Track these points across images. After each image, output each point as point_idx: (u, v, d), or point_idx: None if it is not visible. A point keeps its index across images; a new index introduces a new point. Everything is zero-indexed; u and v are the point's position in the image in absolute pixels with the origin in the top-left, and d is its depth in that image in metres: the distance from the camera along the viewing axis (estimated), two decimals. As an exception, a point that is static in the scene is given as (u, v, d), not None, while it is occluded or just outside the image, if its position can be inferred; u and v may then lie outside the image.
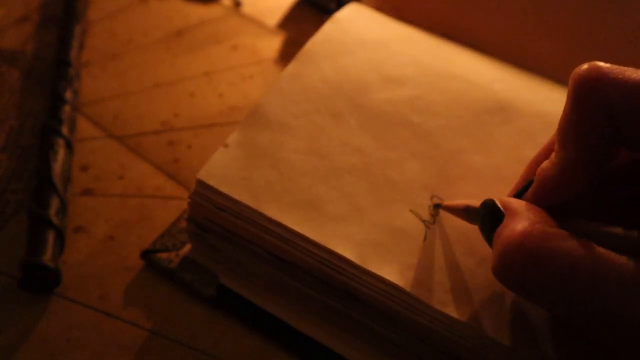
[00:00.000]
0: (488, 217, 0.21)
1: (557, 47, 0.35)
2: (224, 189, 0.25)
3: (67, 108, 0.34)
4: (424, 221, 0.26)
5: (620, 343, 0.18)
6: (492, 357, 0.23)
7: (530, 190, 0.22)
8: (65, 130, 0.33)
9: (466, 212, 0.25)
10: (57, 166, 0.31)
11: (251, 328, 0.27)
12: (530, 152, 0.29)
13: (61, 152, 0.32)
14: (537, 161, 0.24)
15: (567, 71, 0.35)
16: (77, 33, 0.40)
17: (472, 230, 0.26)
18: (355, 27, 0.34)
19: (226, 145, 0.27)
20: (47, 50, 0.40)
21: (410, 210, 0.26)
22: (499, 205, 0.21)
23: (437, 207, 0.26)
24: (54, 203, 0.29)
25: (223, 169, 0.26)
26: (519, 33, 0.35)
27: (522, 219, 0.20)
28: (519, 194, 0.23)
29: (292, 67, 0.31)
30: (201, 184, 0.25)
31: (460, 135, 0.29)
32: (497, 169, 0.28)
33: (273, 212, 0.25)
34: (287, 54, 0.42)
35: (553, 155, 0.21)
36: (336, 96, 0.30)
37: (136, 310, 0.27)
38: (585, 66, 0.20)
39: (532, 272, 0.18)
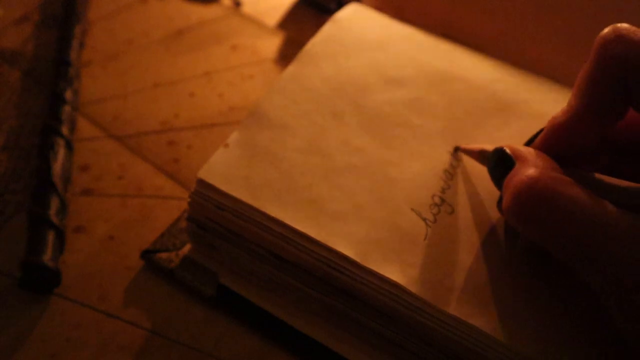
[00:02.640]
0: (498, 163, 0.23)
1: (556, 47, 0.35)
2: (224, 187, 0.25)
3: (67, 108, 0.34)
4: (424, 219, 0.26)
5: (608, 291, 0.20)
6: (492, 356, 0.23)
7: (540, 136, 0.24)
8: (65, 130, 0.33)
9: (480, 155, 0.26)
10: (57, 166, 0.31)
11: (251, 328, 0.27)
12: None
13: (61, 152, 0.32)
14: None
15: (567, 71, 0.35)
16: (77, 33, 0.40)
17: (472, 229, 0.26)
18: (355, 27, 0.34)
19: (227, 145, 0.27)
20: (47, 50, 0.40)
21: (411, 209, 0.26)
22: (509, 153, 0.22)
23: (456, 150, 0.28)
24: (54, 203, 0.29)
25: (224, 168, 0.26)
26: (519, 33, 0.35)
27: (531, 165, 0.21)
28: (528, 142, 0.24)
29: (292, 67, 0.31)
30: (202, 183, 0.26)
31: (459, 136, 0.29)
32: None
33: (274, 210, 0.25)
34: (287, 54, 0.42)
35: (565, 106, 0.23)
36: (337, 96, 0.30)
37: (136, 310, 0.27)
38: (608, 27, 0.21)
39: (539, 213, 0.20)
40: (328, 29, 0.33)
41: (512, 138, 0.30)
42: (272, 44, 0.43)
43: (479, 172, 0.28)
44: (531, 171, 0.20)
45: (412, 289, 0.23)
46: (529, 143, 0.24)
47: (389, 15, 0.36)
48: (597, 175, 0.22)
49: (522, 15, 0.35)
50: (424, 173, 0.27)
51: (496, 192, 0.27)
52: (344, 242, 0.24)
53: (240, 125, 0.28)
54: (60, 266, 0.28)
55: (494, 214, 0.27)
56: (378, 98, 0.30)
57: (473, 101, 0.31)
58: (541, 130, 0.24)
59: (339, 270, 0.24)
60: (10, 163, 0.33)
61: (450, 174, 0.28)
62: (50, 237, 0.28)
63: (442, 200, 0.27)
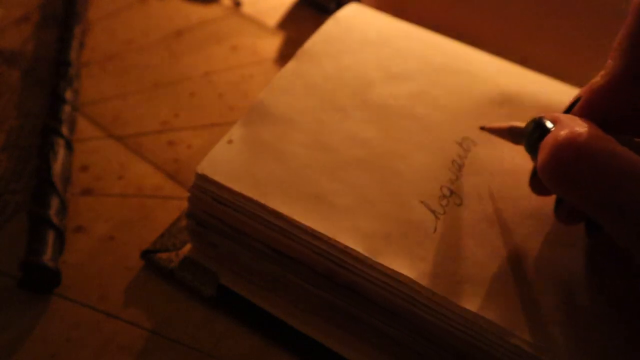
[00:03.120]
0: (535, 131, 0.22)
1: (556, 47, 0.35)
2: (226, 182, 0.25)
3: (67, 108, 0.34)
4: (433, 211, 0.25)
5: None
6: (498, 354, 0.22)
7: (579, 103, 0.23)
8: (65, 130, 0.33)
9: (510, 132, 0.26)
10: (57, 166, 0.31)
11: (251, 328, 0.27)
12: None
13: (61, 152, 0.32)
14: None
15: (567, 71, 0.35)
16: (77, 33, 0.40)
17: (482, 220, 0.25)
18: (355, 25, 0.34)
19: (230, 141, 0.27)
20: (47, 50, 0.40)
21: (420, 201, 0.26)
22: (547, 121, 0.22)
23: (481, 129, 0.28)
24: (54, 203, 0.29)
25: (225, 162, 0.26)
26: (519, 32, 0.35)
27: (572, 124, 0.21)
28: (567, 111, 0.24)
29: (292, 64, 0.31)
30: (201, 177, 0.25)
31: (465, 128, 0.29)
32: (502, 161, 0.28)
33: (278, 204, 0.24)
34: (287, 53, 0.42)
35: (603, 70, 0.22)
36: (339, 92, 0.30)
37: (136, 310, 0.27)
38: None
39: (579, 168, 0.19)
40: (328, 27, 0.33)
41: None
42: (272, 44, 0.43)
43: (488, 162, 0.28)
44: (574, 128, 0.20)
45: (424, 282, 0.23)
46: (567, 111, 0.24)
47: (389, 14, 0.36)
48: (636, 139, 0.22)
49: (522, 15, 0.35)
50: (431, 164, 0.27)
51: (506, 180, 0.27)
52: (352, 237, 0.24)
53: (242, 120, 0.28)
54: (60, 266, 0.28)
55: (504, 205, 0.26)
56: (381, 92, 0.30)
57: (478, 93, 0.31)
58: (579, 99, 0.23)
59: (342, 266, 0.24)
60: (10, 163, 0.33)
61: (458, 164, 0.27)
62: (50, 237, 0.28)
63: (451, 191, 0.26)
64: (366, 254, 0.23)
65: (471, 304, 0.23)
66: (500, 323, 0.22)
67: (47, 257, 0.27)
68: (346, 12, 0.34)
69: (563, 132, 0.20)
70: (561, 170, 0.20)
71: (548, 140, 0.21)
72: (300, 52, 0.31)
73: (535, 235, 0.25)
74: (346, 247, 0.24)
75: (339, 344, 0.26)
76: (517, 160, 0.28)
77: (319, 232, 0.24)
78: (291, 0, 0.46)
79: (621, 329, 0.23)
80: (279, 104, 0.28)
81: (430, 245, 0.24)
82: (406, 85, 0.30)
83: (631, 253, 0.20)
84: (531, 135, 0.23)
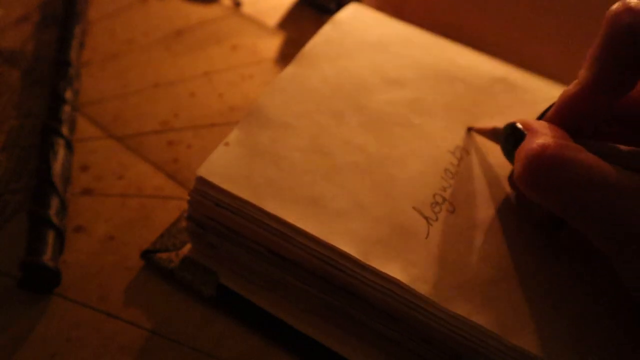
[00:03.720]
0: (510, 136, 0.24)
1: (557, 47, 0.35)
2: (225, 185, 0.25)
3: (67, 108, 0.34)
4: (426, 218, 0.26)
5: (619, 250, 0.20)
6: (493, 355, 0.23)
7: (551, 109, 0.24)
8: (65, 130, 0.33)
9: (493, 133, 0.28)
10: (57, 166, 0.31)
11: (251, 328, 0.27)
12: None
13: (61, 152, 0.32)
14: None
15: (567, 71, 0.35)
16: (77, 33, 0.40)
17: (474, 227, 0.26)
18: (355, 28, 0.34)
19: (227, 144, 0.27)
20: (47, 50, 0.40)
21: (413, 207, 0.26)
22: (520, 126, 0.23)
23: (469, 130, 0.30)
24: (54, 203, 0.29)
25: (224, 166, 0.26)
26: (519, 33, 0.35)
27: (542, 135, 0.22)
28: (540, 117, 0.25)
29: (291, 68, 0.31)
30: (201, 180, 0.25)
31: (458, 137, 0.29)
32: (496, 169, 0.28)
33: (274, 208, 0.25)
34: (287, 54, 0.42)
35: (576, 79, 0.23)
36: (337, 97, 0.30)
37: (136, 310, 0.27)
38: (618, 2, 0.22)
39: (549, 178, 0.20)
40: (327, 30, 0.33)
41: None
42: (272, 44, 0.43)
43: (480, 170, 0.28)
44: (541, 139, 0.21)
45: (415, 287, 0.23)
46: (540, 117, 0.25)
47: (389, 15, 0.36)
48: (605, 144, 0.22)
49: (522, 15, 0.35)
50: (425, 172, 0.27)
51: (497, 189, 0.28)
52: (345, 240, 0.24)
53: (240, 124, 0.28)
54: (60, 266, 0.28)
55: (495, 212, 0.27)
56: (378, 98, 0.30)
57: (473, 102, 0.31)
58: (552, 105, 0.24)
59: (339, 269, 0.24)
60: (10, 163, 0.33)
61: (451, 172, 0.28)
62: (50, 237, 0.28)
63: (444, 198, 0.27)
64: (359, 257, 0.24)
65: (462, 308, 0.23)
66: (491, 328, 0.22)
67: (47, 257, 0.27)
68: (346, 14, 0.35)
69: (534, 144, 0.21)
70: (533, 180, 0.21)
71: (521, 150, 0.22)
72: (299, 56, 0.31)
73: (526, 241, 0.26)
74: (340, 250, 0.24)
75: (339, 344, 0.26)
76: (507, 168, 0.28)
77: (314, 235, 0.24)
78: (291, 0, 0.47)
79: (614, 333, 0.23)
80: (277, 107, 0.29)
81: (422, 251, 0.24)
82: (403, 91, 0.31)
83: (604, 253, 0.21)
84: (507, 140, 0.24)
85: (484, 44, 0.35)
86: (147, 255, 0.29)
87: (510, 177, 0.27)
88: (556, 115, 0.24)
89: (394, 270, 0.23)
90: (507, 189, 0.28)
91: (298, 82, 0.30)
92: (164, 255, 0.29)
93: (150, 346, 0.26)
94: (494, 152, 0.29)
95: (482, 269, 0.24)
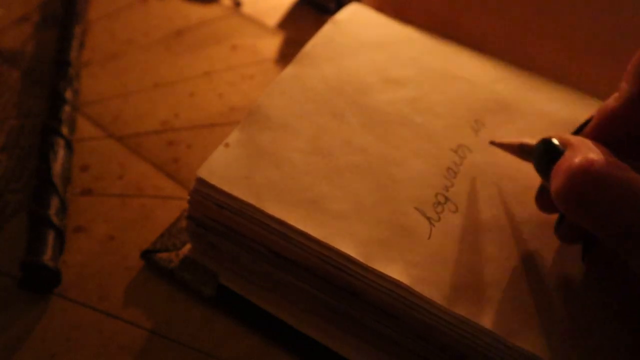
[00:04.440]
0: (545, 153, 0.22)
1: (557, 47, 0.35)
2: (225, 187, 0.25)
3: (67, 108, 0.34)
4: (428, 218, 0.26)
5: None
6: (496, 356, 0.22)
7: (590, 124, 0.23)
8: (65, 130, 0.33)
9: (520, 149, 0.26)
10: (57, 166, 0.31)
11: (251, 328, 0.27)
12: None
13: (61, 152, 0.32)
14: None
15: (568, 71, 0.35)
16: (77, 33, 0.40)
17: (477, 227, 0.26)
18: (355, 29, 0.34)
19: (227, 145, 0.27)
20: (47, 50, 0.40)
21: (415, 208, 0.26)
22: (557, 142, 0.22)
23: (491, 143, 0.28)
24: (54, 203, 0.29)
25: (224, 167, 0.26)
26: (519, 33, 0.35)
27: (585, 150, 0.20)
28: (576, 132, 0.24)
29: (291, 68, 0.31)
30: (201, 181, 0.25)
31: (461, 135, 0.29)
32: (500, 168, 0.28)
33: (275, 210, 0.25)
34: (287, 53, 0.42)
35: (617, 93, 0.22)
36: (337, 97, 0.30)
37: (136, 310, 0.27)
38: None
39: (594, 196, 0.19)
40: (327, 30, 0.33)
41: (516, 135, 0.30)
42: (272, 44, 0.43)
43: (483, 169, 0.28)
44: (588, 155, 0.20)
45: (417, 288, 0.23)
46: (577, 132, 0.24)
47: (389, 15, 0.36)
48: None
49: (522, 15, 0.35)
50: (427, 171, 0.27)
51: (500, 189, 0.27)
52: (346, 242, 0.24)
53: (240, 125, 0.28)
54: (60, 266, 0.28)
55: (499, 211, 0.26)
56: (379, 98, 0.30)
57: (474, 100, 0.31)
58: (589, 120, 0.23)
59: (341, 270, 0.24)
60: (10, 163, 0.33)
61: (453, 172, 0.28)
62: (50, 237, 0.28)
63: (446, 198, 0.26)
64: (360, 259, 0.24)
65: (464, 310, 0.23)
66: (494, 329, 0.22)
67: (47, 257, 0.27)
68: (346, 14, 0.35)
69: (577, 159, 0.20)
70: (576, 198, 0.20)
71: (562, 166, 0.21)
72: (299, 56, 0.31)
73: (531, 241, 0.26)
74: (341, 252, 0.24)
75: (339, 344, 0.26)
76: (512, 167, 0.28)
77: (315, 237, 0.24)
78: (291, 0, 0.46)
79: (617, 335, 0.23)
80: (277, 108, 0.29)
81: (424, 252, 0.24)
82: (403, 91, 0.31)
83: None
84: (542, 156, 0.23)
85: (484, 44, 0.35)
86: (147, 255, 0.29)
87: (540, 195, 0.26)
88: (595, 131, 0.23)
89: (395, 271, 0.23)
90: (511, 187, 0.27)
91: (298, 82, 0.30)
92: (164, 255, 0.29)
93: (150, 346, 0.26)
94: (498, 150, 0.29)
95: (485, 270, 0.24)
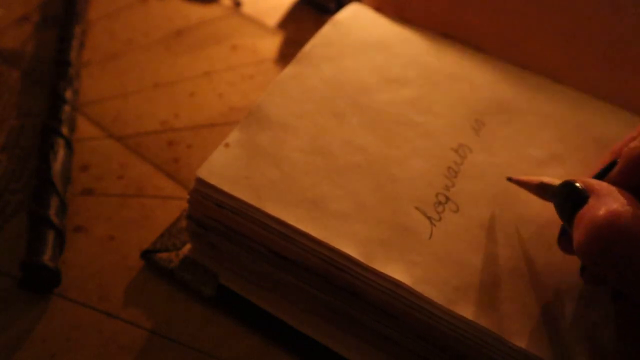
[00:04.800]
0: (568, 197, 0.21)
1: (557, 47, 0.35)
2: (225, 187, 0.25)
3: (67, 108, 0.34)
4: (429, 218, 0.26)
5: None
6: (498, 356, 0.22)
7: (616, 169, 0.22)
8: (65, 130, 0.33)
9: (539, 188, 0.25)
10: (57, 166, 0.31)
11: (251, 328, 0.27)
12: (534, 151, 0.29)
13: (61, 152, 0.32)
14: (618, 149, 0.24)
15: (567, 71, 0.35)
16: (77, 33, 0.40)
17: (478, 227, 0.26)
18: (354, 29, 0.34)
19: (227, 145, 0.27)
20: (47, 50, 0.40)
21: (415, 207, 0.26)
22: (580, 186, 0.21)
23: (508, 180, 0.27)
24: (54, 203, 0.29)
25: (224, 167, 0.26)
26: (519, 33, 0.35)
27: (610, 200, 0.20)
28: (599, 176, 0.23)
29: (291, 68, 0.31)
30: (201, 182, 0.25)
31: (461, 134, 0.29)
32: (500, 168, 0.28)
33: (275, 210, 0.25)
34: (287, 53, 0.42)
35: (637, 133, 0.21)
36: (337, 97, 0.30)
37: (136, 310, 0.27)
38: None
39: (619, 251, 0.18)
40: (327, 30, 0.33)
41: (515, 136, 0.30)
42: (272, 44, 0.43)
43: (484, 169, 0.28)
44: (613, 206, 0.19)
45: (418, 288, 0.23)
46: (600, 176, 0.23)
47: (389, 14, 0.36)
48: None
49: (522, 15, 0.35)
50: (427, 171, 0.27)
51: (501, 189, 0.27)
52: (347, 242, 0.24)
53: (240, 125, 0.28)
54: (60, 266, 0.28)
55: (500, 211, 0.26)
56: (379, 98, 0.30)
57: (475, 100, 0.31)
58: (613, 163, 0.22)
59: (342, 270, 0.24)
60: (10, 163, 0.33)
61: (454, 171, 0.28)
62: (50, 237, 0.28)
63: (447, 198, 0.26)
64: (361, 259, 0.23)
65: (466, 310, 0.23)
66: (495, 330, 0.22)
67: (47, 257, 0.27)
68: (346, 14, 0.34)
69: (602, 212, 0.19)
70: (599, 251, 0.19)
71: (585, 217, 0.20)
72: (299, 56, 0.31)
73: (532, 241, 0.26)
74: (342, 252, 0.24)
75: (339, 344, 0.26)
76: (514, 167, 0.28)
77: (316, 238, 0.24)
78: (291, 0, 0.46)
79: (618, 337, 0.23)
80: (277, 108, 0.28)
81: (425, 251, 0.24)
82: (404, 90, 0.31)
83: None
84: (564, 200, 0.22)
85: (484, 44, 0.35)
86: (147, 255, 0.29)
87: (562, 237, 0.25)
88: (622, 176, 0.22)
89: (396, 271, 0.23)
90: (513, 187, 0.27)
91: (298, 82, 0.30)
92: (164, 255, 0.29)
93: (150, 346, 0.26)
94: (499, 150, 0.29)
95: (486, 270, 0.24)
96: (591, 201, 0.20)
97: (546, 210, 0.26)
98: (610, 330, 0.23)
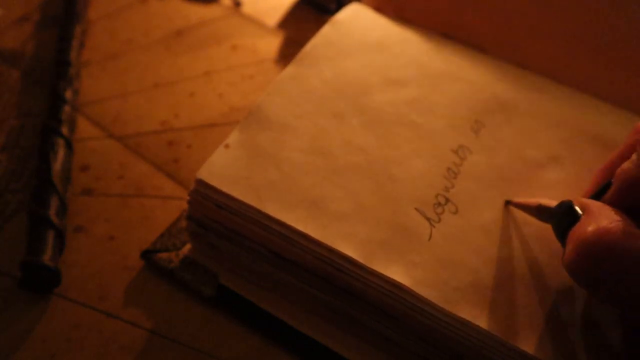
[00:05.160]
0: (564, 217, 0.22)
1: (557, 47, 0.35)
2: (225, 188, 0.25)
3: (67, 108, 0.34)
4: (428, 219, 0.26)
5: None
6: (497, 357, 0.22)
7: (611, 191, 0.22)
8: (65, 130, 0.33)
9: (538, 210, 0.25)
10: (57, 166, 0.31)
11: (251, 328, 0.27)
12: (532, 151, 0.29)
13: (61, 152, 0.32)
14: (609, 166, 0.24)
15: (567, 71, 0.35)
16: (77, 33, 0.40)
17: (477, 228, 0.26)
18: (355, 29, 0.34)
19: (227, 146, 0.27)
20: (47, 50, 0.40)
21: (415, 208, 0.26)
22: (576, 207, 0.21)
23: (507, 203, 0.27)
24: (54, 203, 0.29)
25: (224, 168, 0.26)
26: (519, 33, 0.35)
27: (601, 217, 0.20)
28: (596, 196, 0.23)
29: (291, 68, 0.31)
30: (201, 183, 0.25)
31: (461, 135, 0.29)
32: (500, 169, 0.28)
33: (276, 211, 0.25)
34: (287, 54, 0.42)
35: (634, 156, 0.21)
36: (337, 97, 0.30)
37: (136, 310, 0.27)
38: None
39: (607, 267, 0.18)
40: (327, 30, 0.33)
41: (514, 137, 0.30)
42: (272, 44, 0.43)
43: (483, 170, 0.28)
44: (603, 223, 0.19)
45: (417, 289, 0.23)
46: (596, 197, 0.23)
47: (389, 14, 0.36)
48: None
49: (522, 15, 0.35)
50: (427, 172, 0.27)
51: (501, 190, 0.27)
52: (347, 242, 0.24)
53: (240, 125, 0.28)
54: (60, 266, 0.28)
55: (499, 213, 0.26)
56: (379, 98, 0.30)
57: (474, 100, 0.31)
58: (609, 184, 0.22)
59: (341, 271, 0.24)
60: (10, 163, 0.33)
61: (454, 172, 0.28)
62: (50, 237, 0.28)
63: (447, 199, 0.26)
64: (361, 260, 0.23)
65: (465, 312, 0.23)
66: (494, 332, 0.22)
67: (47, 257, 0.27)
68: (346, 15, 0.34)
69: (591, 228, 0.19)
70: (586, 268, 0.19)
71: (574, 234, 0.20)
72: (299, 56, 0.31)
73: (531, 243, 0.26)
74: (342, 253, 0.24)
75: (339, 344, 0.26)
76: (512, 168, 0.28)
77: (316, 238, 0.24)
78: (291, 0, 0.46)
79: (616, 338, 0.23)
80: (277, 109, 0.28)
81: (424, 253, 0.24)
82: (404, 91, 0.31)
83: None
84: (561, 221, 0.22)
85: (484, 44, 0.35)
86: (147, 255, 0.29)
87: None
88: (616, 197, 0.22)
89: (396, 272, 0.23)
90: (512, 189, 0.27)
91: (298, 83, 0.30)
92: (164, 255, 0.29)
93: (150, 346, 0.26)
94: (498, 151, 0.29)
95: (485, 272, 0.24)
96: (583, 219, 0.20)
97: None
98: (611, 331, 0.23)
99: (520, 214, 0.26)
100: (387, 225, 0.25)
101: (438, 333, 0.23)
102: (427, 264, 0.24)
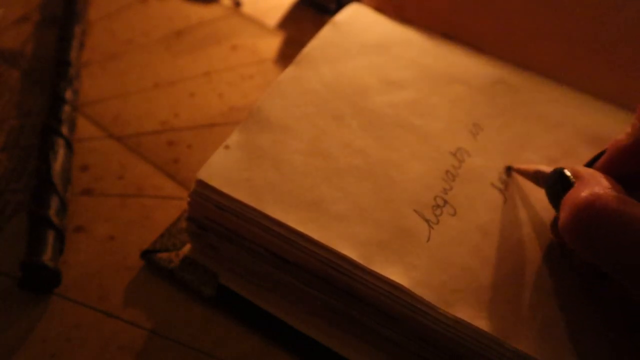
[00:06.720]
0: (556, 183, 0.23)
1: (557, 47, 0.35)
2: (225, 189, 0.25)
3: (67, 108, 0.34)
4: (427, 221, 0.26)
5: None
6: (496, 358, 0.23)
7: (602, 159, 0.23)
8: (65, 130, 0.33)
9: (535, 176, 0.26)
10: (57, 166, 0.31)
11: (251, 328, 0.27)
12: (531, 155, 0.29)
13: (61, 152, 0.32)
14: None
15: (567, 71, 0.35)
16: (77, 33, 0.40)
17: (475, 230, 0.26)
18: (354, 30, 0.34)
19: (227, 147, 0.27)
20: (47, 50, 0.40)
21: (414, 210, 0.26)
22: (569, 174, 0.22)
23: (508, 170, 0.28)
24: (54, 203, 0.29)
25: (224, 169, 0.26)
26: (519, 33, 0.35)
27: (593, 184, 0.21)
28: (589, 164, 0.24)
29: (290, 70, 0.31)
30: (201, 184, 0.25)
31: (459, 138, 0.29)
32: (498, 172, 0.28)
33: (276, 212, 0.25)
34: (287, 54, 0.42)
35: (629, 128, 0.22)
36: (337, 99, 0.30)
37: (136, 310, 0.27)
38: None
39: (599, 231, 0.19)
40: (327, 31, 0.33)
41: (512, 140, 0.30)
42: (272, 44, 0.43)
43: (481, 172, 0.28)
44: (595, 188, 0.20)
45: (416, 291, 0.23)
46: (589, 165, 0.24)
47: (389, 14, 0.36)
48: None
49: (522, 15, 0.35)
50: (426, 174, 0.27)
51: (499, 191, 0.27)
52: (346, 244, 0.24)
53: (240, 127, 0.28)
54: (60, 266, 0.28)
55: (497, 215, 0.27)
56: (379, 100, 0.30)
57: (474, 103, 0.31)
58: (602, 153, 0.23)
59: (341, 272, 0.24)
60: (10, 163, 0.33)
61: (452, 174, 0.28)
62: (50, 237, 0.28)
63: (445, 201, 0.27)
64: (360, 261, 0.24)
65: (464, 313, 0.23)
66: (493, 332, 0.22)
67: (47, 257, 0.27)
68: (346, 15, 0.35)
69: (583, 193, 0.20)
70: (580, 232, 0.20)
71: (568, 199, 0.21)
72: (298, 58, 0.31)
73: (528, 244, 0.26)
74: (341, 254, 0.24)
75: (339, 344, 0.26)
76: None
77: (315, 239, 0.24)
78: (291, 0, 0.47)
79: (615, 338, 0.23)
80: (277, 110, 0.29)
81: (423, 254, 0.24)
82: (403, 93, 0.31)
83: None
84: (553, 186, 0.23)
85: (484, 44, 0.35)
86: (147, 255, 0.29)
87: (554, 224, 0.26)
88: (607, 165, 0.23)
89: (395, 274, 0.23)
90: (509, 192, 0.27)
91: (298, 84, 0.30)
92: (164, 255, 0.29)
93: (150, 346, 0.26)
94: (496, 154, 0.29)
95: (483, 273, 0.24)
96: (576, 185, 0.21)
97: (543, 213, 0.26)
98: (611, 331, 0.23)
99: (518, 216, 0.27)
100: (386, 227, 0.25)
101: (437, 334, 0.23)
102: (426, 265, 0.24)
